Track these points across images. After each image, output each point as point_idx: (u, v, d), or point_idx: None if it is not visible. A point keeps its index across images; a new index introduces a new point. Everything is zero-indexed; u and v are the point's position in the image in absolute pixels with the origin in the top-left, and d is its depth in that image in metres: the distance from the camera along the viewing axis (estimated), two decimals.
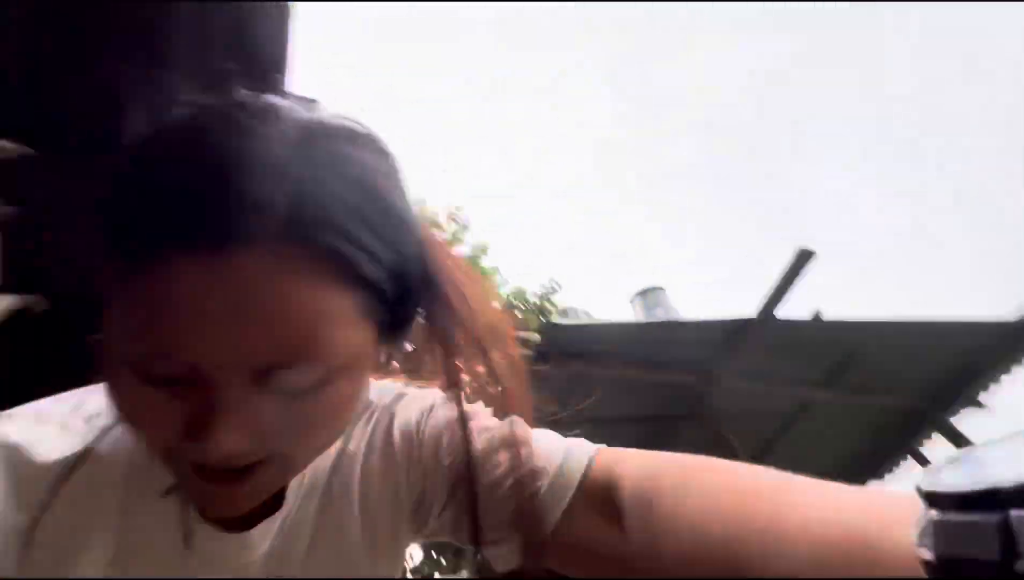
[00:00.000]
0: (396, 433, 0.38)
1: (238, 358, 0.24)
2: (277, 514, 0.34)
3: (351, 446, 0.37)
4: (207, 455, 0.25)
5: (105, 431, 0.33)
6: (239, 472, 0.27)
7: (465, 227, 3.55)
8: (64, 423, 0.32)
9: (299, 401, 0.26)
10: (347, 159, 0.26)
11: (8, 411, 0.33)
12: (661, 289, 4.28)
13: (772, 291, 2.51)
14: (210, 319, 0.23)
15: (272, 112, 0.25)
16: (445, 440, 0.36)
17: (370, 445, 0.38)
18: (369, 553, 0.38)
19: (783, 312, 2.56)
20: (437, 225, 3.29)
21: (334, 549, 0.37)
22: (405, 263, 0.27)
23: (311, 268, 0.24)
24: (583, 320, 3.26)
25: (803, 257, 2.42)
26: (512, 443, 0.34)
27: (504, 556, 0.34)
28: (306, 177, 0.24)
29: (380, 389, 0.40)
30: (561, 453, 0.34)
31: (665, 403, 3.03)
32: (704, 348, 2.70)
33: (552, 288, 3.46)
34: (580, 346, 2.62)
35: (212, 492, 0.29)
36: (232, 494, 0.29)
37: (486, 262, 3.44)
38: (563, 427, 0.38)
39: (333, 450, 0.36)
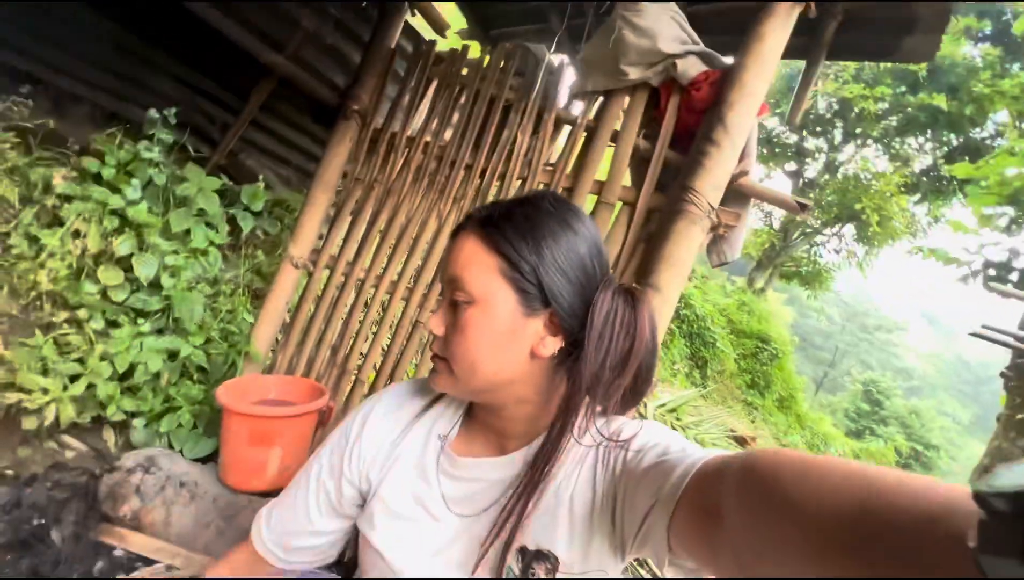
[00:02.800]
0: (602, 449, 0.57)
1: (446, 279, 0.59)
2: (496, 458, 0.61)
3: (585, 439, 0.57)
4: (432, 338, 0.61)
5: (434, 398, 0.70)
6: (440, 359, 0.60)
7: None
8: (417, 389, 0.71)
9: (458, 313, 0.57)
10: (529, 208, 0.58)
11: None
12: None
13: None
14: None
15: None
16: (631, 459, 0.53)
17: (583, 453, 0.58)
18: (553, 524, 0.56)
19: None
20: None
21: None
22: (544, 269, 0.55)
23: (479, 241, 0.57)
24: None
25: None
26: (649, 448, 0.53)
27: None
28: (496, 211, 0.59)
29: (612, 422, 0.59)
30: (688, 457, 0.46)
31: None
32: None
33: None
34: None
35: (433, 371, 0.62)
36: (437, 373, 0.61)
37: None
38: None
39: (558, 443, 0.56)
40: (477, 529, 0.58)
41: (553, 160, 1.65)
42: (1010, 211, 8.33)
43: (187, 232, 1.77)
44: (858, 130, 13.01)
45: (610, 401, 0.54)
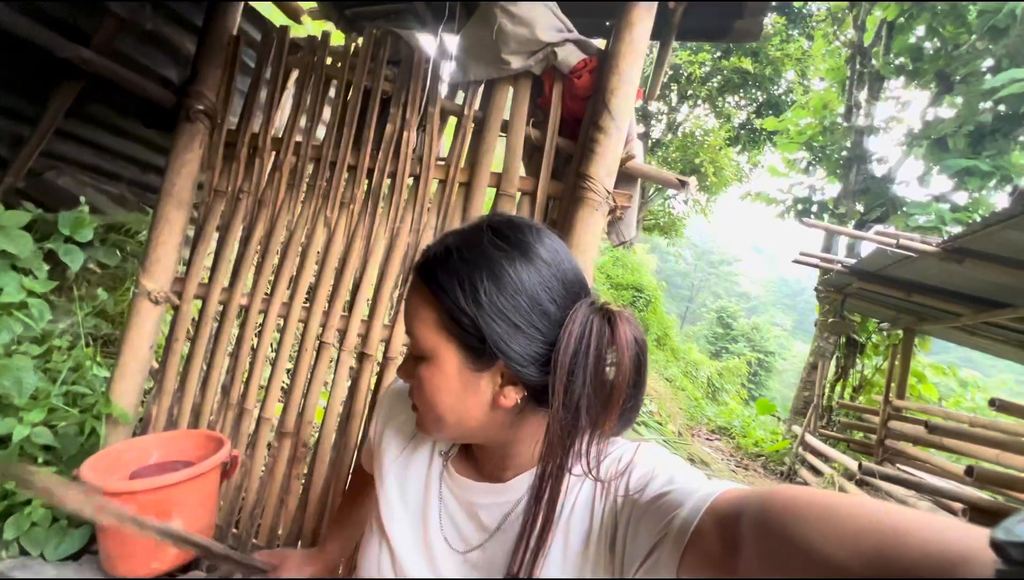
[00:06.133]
0: (604, 477, 0.53)
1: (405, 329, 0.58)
2: (497, 484, 0.59)
3: (576, 470, 0.52)
4: None
5: None
6: (415, 407, 0.58)
7: None
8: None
9: (416, 365, 0.55)
10: (465, 246, 0.53)
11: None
12: None
13: None
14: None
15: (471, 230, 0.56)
16: (632, 490, 0.51)
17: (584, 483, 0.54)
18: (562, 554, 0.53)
19: None
20: None
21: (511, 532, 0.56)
22: (485, 320, 0.50)
23: (420, 292, 0.54)
24: None
25: None
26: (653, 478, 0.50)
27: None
28: (433, 252, 0.54)
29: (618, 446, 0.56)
30: (697, 490, 0.44)
31: None
32: None
33: None
34: None
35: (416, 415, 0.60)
36: (416, 420, 0.59)
37: None
38: None
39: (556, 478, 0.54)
40: (477, 563, 0.58)
41: (443, 155, 1.59)
42: (807, 155, 10.16)
43: None
44: (689, 92, 14.66)
45: (599, 430, 0.50)
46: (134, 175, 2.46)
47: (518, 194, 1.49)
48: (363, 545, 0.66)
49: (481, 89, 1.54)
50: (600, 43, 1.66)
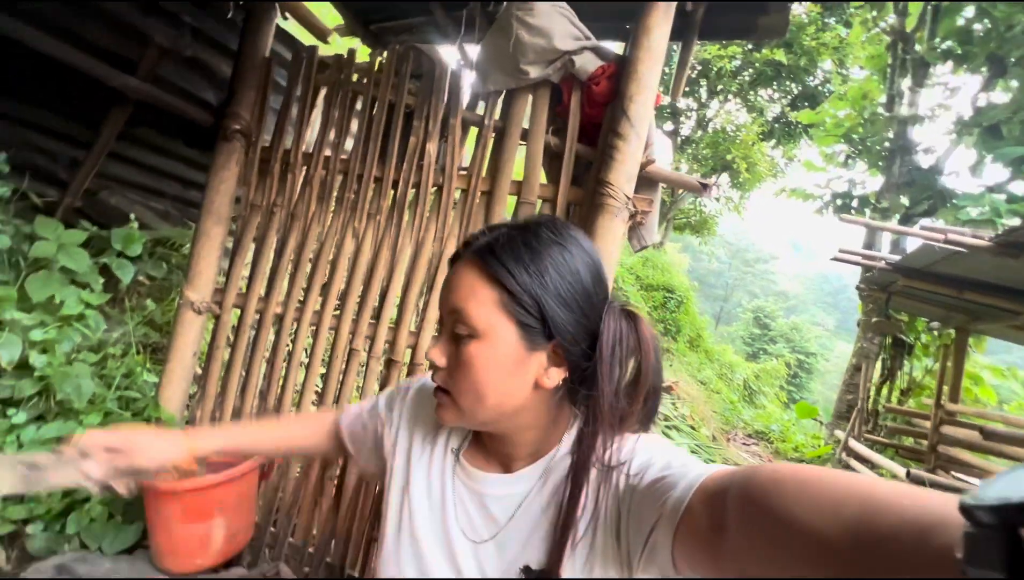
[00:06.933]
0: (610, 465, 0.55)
1: (446, 310, 0.57)
2: (506, 474, 0.62)
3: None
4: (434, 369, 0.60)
5: None
6: (443, 392, 0.59)
7: None
8: None
9: (459, 346, 0.56)
10: (530, 236, 0.56)
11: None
12: None
13: None
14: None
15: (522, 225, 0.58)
16: (633, 477, 0.53)
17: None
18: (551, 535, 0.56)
19: None
20: None
21: (530, 518, 0.58)
22: (547, 301, 0.53)
23: (479, 272, 0.55)
24: None
25: None
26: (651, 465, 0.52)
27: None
28: (495, 238, 0.56)
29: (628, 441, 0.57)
30: (689, 472, 0.46)
31: None
32: None
33: None
34: None
35: (438, 405, 0.60)
36: (442, 406, 0.60)
37: None
38: None
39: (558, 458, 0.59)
40: (490, 553, 0.60)
41: (465, 164, 1.63)
42: (846, 148, 9.74)
43: (51, 298, 1.50)
44: (719, 87, 14.32)
45: (624, 426, 0.54)
46: (177, 192, 2.62)
47: (539, 201, 1.51)
48: (383, 539, 0.69)
49: (501, 98, 1.57)
50: (619, 47, 1.66)
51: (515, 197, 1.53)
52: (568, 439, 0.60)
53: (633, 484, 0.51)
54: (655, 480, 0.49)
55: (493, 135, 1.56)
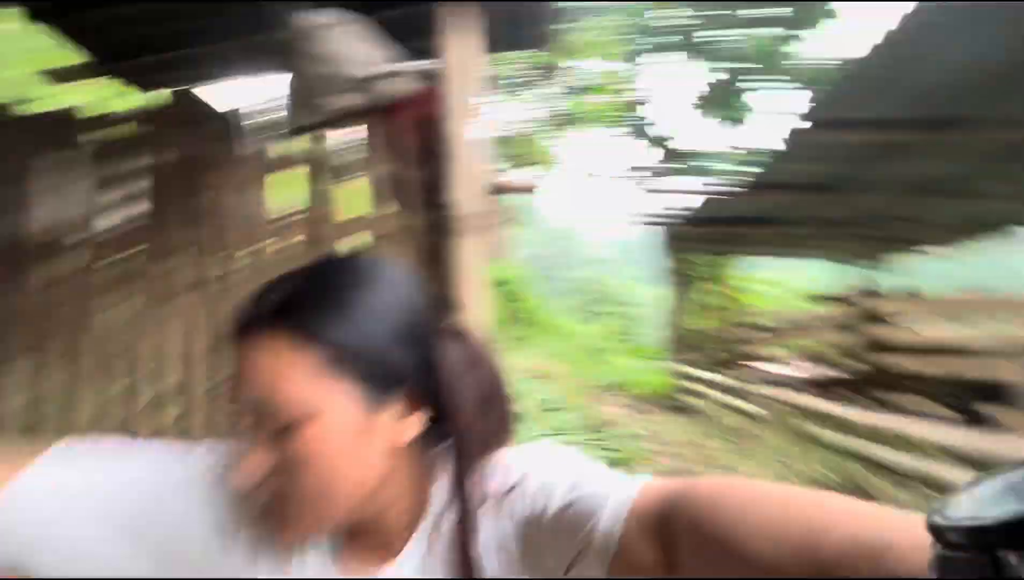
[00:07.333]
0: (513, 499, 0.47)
1: (250, 406, 0.43)
2: (395, 558, 0.48)
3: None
4: None
5: None
6: (274, 507, 0.44)
7: None
8: None
9: (285, 442, 0.41)
10: (322, 279, 0.46)
11: None
12: None
13: None
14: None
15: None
16: (530, 505, 0.46)
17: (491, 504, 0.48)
18: None
19: None
20: None
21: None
22: (375, 339, 0.44)
23: (284, 339, 0.42)
24: None
25: None
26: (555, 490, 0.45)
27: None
28: (285, 293, 0.44)
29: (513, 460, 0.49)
30: (610, 492, 0.42)
31: None
32: None
33: None
34: None
35: (275, 524, 0.46)
36: (283, 524, 0.45)
37: None
38: None
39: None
40: None
41: (303, 205, 1.47)
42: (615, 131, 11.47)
43: None
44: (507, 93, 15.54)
45: (493, 444, 0.48)
46: None
47: (383, 231, 1.44)
48: None
49: (325, 132, 1.45)
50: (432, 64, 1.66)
51: (366, 231, 1.44)
52: (442, 485, 0.50)
53: (538, 513, 0.45)
54: (564, 507, 0.44)
55: (320, 170, 1.43)
